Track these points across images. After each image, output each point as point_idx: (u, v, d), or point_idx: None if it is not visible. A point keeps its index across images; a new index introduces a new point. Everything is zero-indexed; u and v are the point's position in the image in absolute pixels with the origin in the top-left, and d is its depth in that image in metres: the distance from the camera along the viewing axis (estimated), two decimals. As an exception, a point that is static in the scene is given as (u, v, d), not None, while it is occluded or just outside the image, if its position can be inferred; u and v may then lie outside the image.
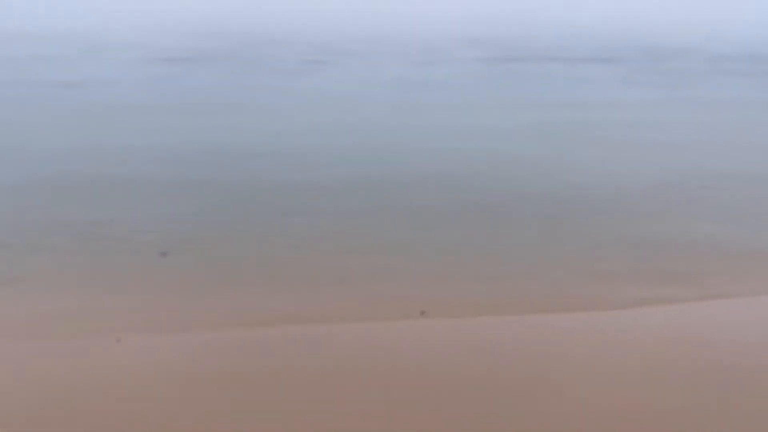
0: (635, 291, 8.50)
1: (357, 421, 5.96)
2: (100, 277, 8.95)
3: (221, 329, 7.64)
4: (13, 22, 36.72)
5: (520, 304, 8.13)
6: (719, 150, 15.51)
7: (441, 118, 18.27)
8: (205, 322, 7.88)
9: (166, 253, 9.51)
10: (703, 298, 8.39)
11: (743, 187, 12.77)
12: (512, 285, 8.66)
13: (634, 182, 12.88)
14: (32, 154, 14.56)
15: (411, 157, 14.30)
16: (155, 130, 16.72)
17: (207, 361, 7.04)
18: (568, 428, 5.84)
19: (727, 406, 6.14)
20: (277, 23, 38.84)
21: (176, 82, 23.60)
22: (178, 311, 8.14)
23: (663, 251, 9.75)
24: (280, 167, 13.37)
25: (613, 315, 7.95)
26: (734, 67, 28.37)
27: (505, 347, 7.18)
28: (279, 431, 5.85)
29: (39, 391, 6.52)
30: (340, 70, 26.60)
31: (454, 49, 32.73)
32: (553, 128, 17.05)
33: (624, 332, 7.54)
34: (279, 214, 10.96)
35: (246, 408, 6.20)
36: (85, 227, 10.42)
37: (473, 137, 16.04)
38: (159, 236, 10.00)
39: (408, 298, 8.26)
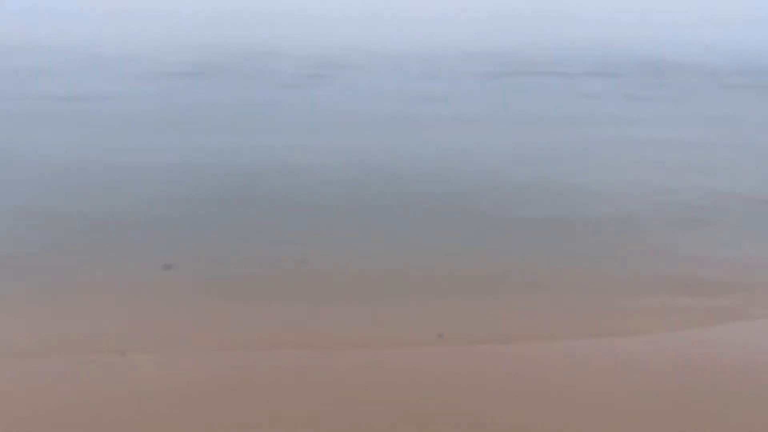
0: (652, 315, 8.43)
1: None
2: (104, 290, 8.96)
3: (226, 345, 7.63)
4: (12, 35, 36.71)
5: (537, 330, 8.05)
6: (728, 170, 15.30)
7: (440, 136, 18.17)
8: (210, 337, 7.87)
9: (170, 266, 9.52)
10: (721, 322, 8.33)
11: (752, 208, 12.67)
12: (527, 309, 8.59)
13: (640, 204, 12.78)
14: (30, 168, 14.57)
15: (412, 176, 14.19)
16: (156, 145, 16.74)
17: (211, 377, 7.02)
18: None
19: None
20: (276, 36, 38.90)
21: (176, 97, 23.61)
22: (182, 326, 8.13)
23: (675, 273, 9.70)
24: (283, 184, 13.36)
25: (631, 340, 7.86)
26: (735, 80, 28.43)
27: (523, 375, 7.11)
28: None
29: (43, 405, 6.51)
30: (340, 84, 26.64)
31: (454, 63, 32.79)
32: (555, 148, 16.89)
33: (642, 357, 7.47)
34: (284, 229, 10.96)
35: (249, 426, 6.19)
36: (89, 239, 10.44)
37: (475, 157, 15.81)
38: (163, 249, 10.02)
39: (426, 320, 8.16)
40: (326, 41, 39.02)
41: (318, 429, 6.16)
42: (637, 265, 9.96)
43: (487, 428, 6.21)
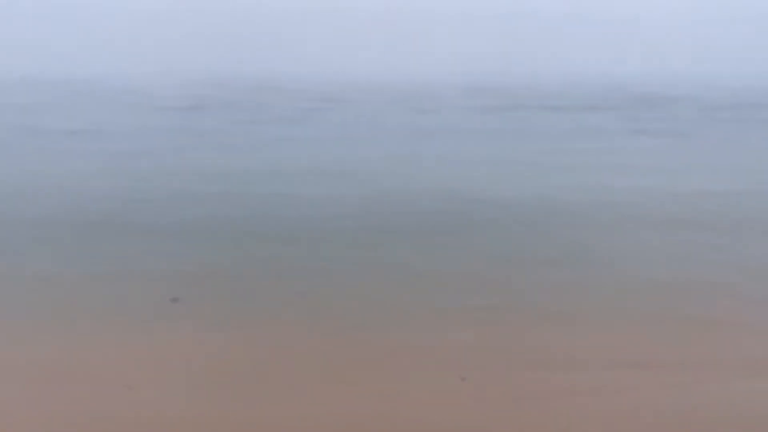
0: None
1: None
2: (110, 322, 8.99)
3: (233, 379, 7.66)
4: (13, 69, 36.95)
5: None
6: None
7: (438, 176, 17.94)
8: (217, 370, 7.90)
9: (177, 299, 9.57)
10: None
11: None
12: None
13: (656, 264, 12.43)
14: (32, 201, 14.62)
15: (416, 220, 14.04)
16: (158, 176, 16.83)
17: (220, 411, 7.05)
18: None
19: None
20: (272, 69, 39.22)
21: (176, 132, 23.73)
22: (188, 359, 8.15)
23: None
24: (287, 221, 13.39)
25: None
26: (731, 115, 28.63)
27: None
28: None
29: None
30: (338, 118, 26.78)
31: (453, 97, 33.04)
32: (560, 197, 16.24)
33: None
34: (291, 262, 11.02)
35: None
36: (94, 271, 10.48)
37: (480, 208, 15.43)
38: (170, 282, 10.06)
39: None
40: (319, 72, 39.38)
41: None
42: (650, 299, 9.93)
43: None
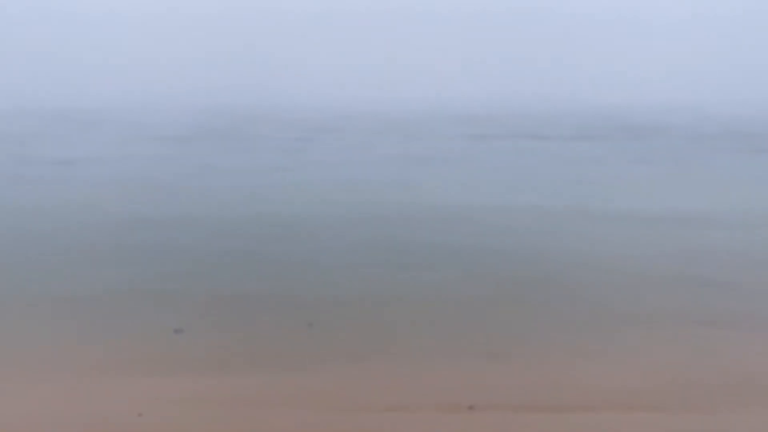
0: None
1: None
2: (117, 351, 8.93)
3: (239, 409, 7.60)
4: (7, 99, 36.97)
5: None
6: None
7: (440, 204, 17.78)
8: (223, 399, 7.85)
9: (180, 330, 9.52)
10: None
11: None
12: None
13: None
14: (27, 228, 14.55)
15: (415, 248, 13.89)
16: (154, 207, 16.78)
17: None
18: None
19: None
20: (261, 98, 39.38)
21: (172, 162, 23.69)
22: (194, 388, 8.10)
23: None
24: (285, 249, 13.33)
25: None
26: (722, 144, 28.79)
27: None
28: None
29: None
30: (330, 147, 26.83)
31: (441, 126, 33.19)
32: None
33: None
34: (290, 293, 10.97)
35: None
36: (97, 301, 10.42)
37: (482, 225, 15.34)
38: (171, 312, 10.00)
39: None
40: (308, 101, 39.58)
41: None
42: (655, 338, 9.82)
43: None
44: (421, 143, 27.79)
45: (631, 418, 7.45)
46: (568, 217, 15.80)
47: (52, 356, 8.80)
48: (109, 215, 15.75)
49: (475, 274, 12.09)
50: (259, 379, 8.10)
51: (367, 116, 34.68)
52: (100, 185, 19.29)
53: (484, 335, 9.43)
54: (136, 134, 28.77)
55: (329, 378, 8.06)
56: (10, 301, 10.87)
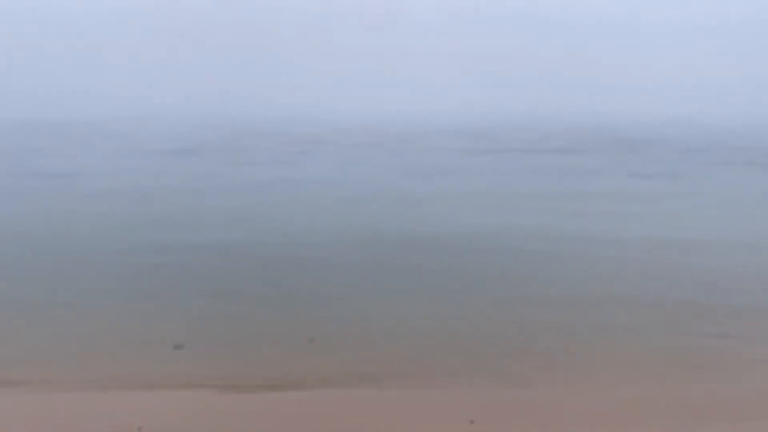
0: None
1: None
2: (119, 368, 8.82)
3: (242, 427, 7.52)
4: (5, 112, 36.93)
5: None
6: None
7: (443, 215, 17.35)
8: (224, 416, 7.76)
9: (180, 346, 9.41)
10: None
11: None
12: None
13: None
14: (25, 244, 14.43)
15: (420, 258, 13.63)
16: (151, 224, 16.65)
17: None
18: None
19: None
20: (262, 110, 39.34)
21: (168, 175, 23.59)
22: (194, 404, 8.01)
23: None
24: (288, 266, 13.18)
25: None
26: (712, 157, 28.79)
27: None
28: None
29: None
30: (324, 160, 26.80)
31: (436, 140, 33.20)
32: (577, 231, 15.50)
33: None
34: (293, 309, 10.83)
35: None
36: (101, 319, 10.31)
37: (484, 237, 14.90)
38: (173, 329, 9.88)
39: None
40: (305, 114, 39.55)
41: None
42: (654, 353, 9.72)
43: None
44: (417, 157, 27.76)
45: None
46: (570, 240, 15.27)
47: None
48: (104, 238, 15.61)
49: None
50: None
51: (361, 130, 34.74)
52: (96, 198, 19.14)
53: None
54: (134, 147, 28.72)
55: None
56: (8, 309, 10.76)
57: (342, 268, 12.70)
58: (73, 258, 13.18)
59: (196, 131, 34.07)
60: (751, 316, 10.28)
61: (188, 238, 14.58)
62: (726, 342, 9.37)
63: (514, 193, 20.44)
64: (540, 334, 9.80)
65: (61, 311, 10.48)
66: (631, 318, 10.27)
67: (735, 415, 7.48)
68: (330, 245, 14.15)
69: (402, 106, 42.16)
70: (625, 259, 13.22)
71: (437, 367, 8.80)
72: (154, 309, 10.64)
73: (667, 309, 10.65)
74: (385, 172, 24.12)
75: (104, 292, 11.23)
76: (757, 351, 9.06)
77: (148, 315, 10.37)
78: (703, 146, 31.87)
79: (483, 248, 14.07)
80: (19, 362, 9.05)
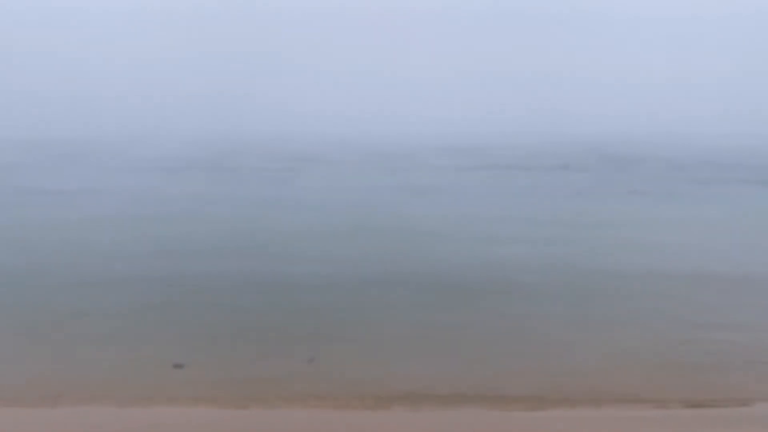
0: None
1: None
2: (119, 386, 8.74)
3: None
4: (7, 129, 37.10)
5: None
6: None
7: (435, 239, 17.10)
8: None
9: (181, 365, 9.30)
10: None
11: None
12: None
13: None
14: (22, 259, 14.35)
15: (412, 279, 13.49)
16: (147, 240, 16.58)
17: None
18: None
19: None
20: (250, 130, 39.59)
21: (159, 193, 23.52)
22: (196, 420, 7.93)
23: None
24: (280, 287, 13.08)
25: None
26: (701, 175, 28.89)
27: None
28: None
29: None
30: (316, 178, 26.80)
31: (428, 157, 33.31)
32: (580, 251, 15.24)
33: None
34: (291, 329, 10.76)
35: None
36: (98, 337, 10.20)
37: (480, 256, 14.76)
38: (172, 347, 9.78)
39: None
40: (293, 131, 39.74)
41: None
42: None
43: None
44: (410, 174, 27.76)
45: None
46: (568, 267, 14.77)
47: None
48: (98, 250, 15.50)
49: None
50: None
51: (354, 147, 34.78)
52: (92, 217, 19.04)
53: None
54: (130, 166, 28.64)
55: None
56: (8, 323, 10.65)
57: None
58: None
59: (188, 149, 34.12)
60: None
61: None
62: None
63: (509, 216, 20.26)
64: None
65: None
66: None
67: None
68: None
69: (395, 124, 42.31)
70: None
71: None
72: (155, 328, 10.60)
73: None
74: (378, 191, 24.13)
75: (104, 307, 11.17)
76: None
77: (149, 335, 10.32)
78: (690, 163, 32.04)
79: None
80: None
